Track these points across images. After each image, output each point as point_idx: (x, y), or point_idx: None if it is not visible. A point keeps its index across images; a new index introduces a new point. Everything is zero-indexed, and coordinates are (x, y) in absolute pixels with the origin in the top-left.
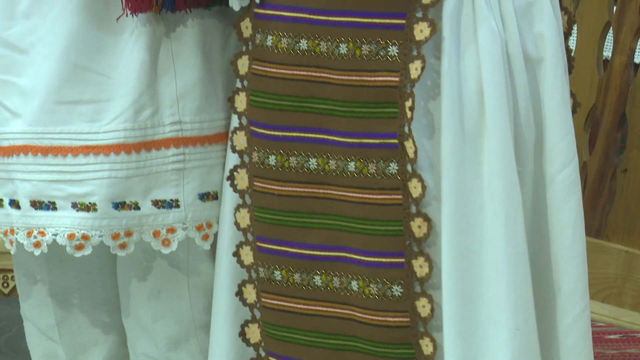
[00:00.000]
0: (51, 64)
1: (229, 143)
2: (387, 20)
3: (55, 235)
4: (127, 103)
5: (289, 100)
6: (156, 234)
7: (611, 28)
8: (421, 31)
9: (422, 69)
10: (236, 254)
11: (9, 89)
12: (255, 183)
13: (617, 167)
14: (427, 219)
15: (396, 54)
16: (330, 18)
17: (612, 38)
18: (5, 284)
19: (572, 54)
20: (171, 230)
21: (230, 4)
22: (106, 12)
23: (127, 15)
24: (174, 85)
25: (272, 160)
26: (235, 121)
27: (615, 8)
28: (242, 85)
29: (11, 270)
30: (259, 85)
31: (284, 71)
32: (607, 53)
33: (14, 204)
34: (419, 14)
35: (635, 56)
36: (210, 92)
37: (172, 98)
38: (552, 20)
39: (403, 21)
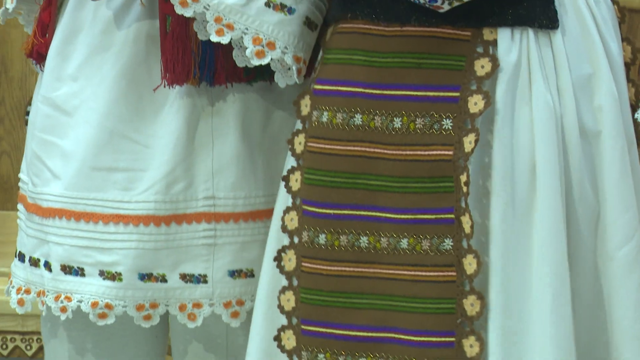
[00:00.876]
0: (90, 129)
1: (280, 223)
2: (442, 93)
3: (80, 302)
4: (160, 175)
5: (342, 177)
6: (182, 308)
7: None
8: (475, 104)
9: (476, 142)
10: (277, 338)
11: (52, 150)
12: (303, 264)
13: None
14: (480, 297)
15: (450, 127)
16: (385, 92)
17: None
18: (4, 346)
19: None
20: (197, 305)
21: (276, 80)
22: (148, 81)
23: (164, 87)
24: (210, 160)
25: (322, 239)
26: (288, 201)
27: None
28: (297, 164)
29: (10, 332)
30: (314, 163)
31: (338, 147)
32: None
33: (47, 266)
34: (474, 87)
35: None
36: (248, 169)
37: (207, 173)
38: (611, 93)
39: (457, 94)
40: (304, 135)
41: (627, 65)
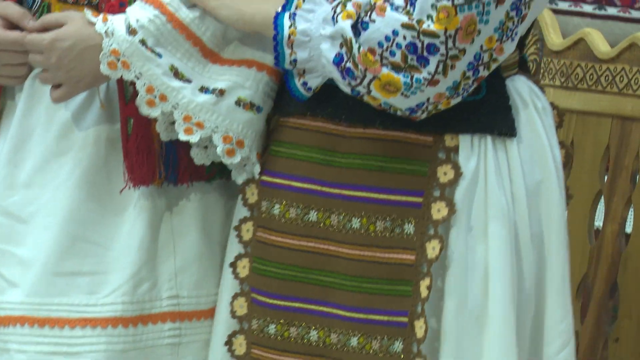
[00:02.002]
0: (51, 234)
1: (229, 308)
2: (404, 198)
3: None
4: (126, 276)
5: (294, 271)
6: None
7: (602, 197)
8: (439, 210)
9: (441, 249)
10: None
11: (7, 259)
12: (253, 350)
13: (609, 337)
14: None
15: (412, 232)
16: (344, 192)
17: (604, 207)
18: None
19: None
20: None
21: (233, 178)
22: (107, 185)
23: (129, 189)
24: (172, 260)
25: (271, 328)
26: (236, 287)
27: (606, 177)
28: (245, 251)
29: None
30: (263, 253)
31: (290, 241)
32: (598, 223)
33: None
34: (437, 193)
35: (626, 225)
36: (209, 267)
37: (170, 272)
38: (558, 199)
39: (420, 199)
40: (251, 223)
41: (563, 166)
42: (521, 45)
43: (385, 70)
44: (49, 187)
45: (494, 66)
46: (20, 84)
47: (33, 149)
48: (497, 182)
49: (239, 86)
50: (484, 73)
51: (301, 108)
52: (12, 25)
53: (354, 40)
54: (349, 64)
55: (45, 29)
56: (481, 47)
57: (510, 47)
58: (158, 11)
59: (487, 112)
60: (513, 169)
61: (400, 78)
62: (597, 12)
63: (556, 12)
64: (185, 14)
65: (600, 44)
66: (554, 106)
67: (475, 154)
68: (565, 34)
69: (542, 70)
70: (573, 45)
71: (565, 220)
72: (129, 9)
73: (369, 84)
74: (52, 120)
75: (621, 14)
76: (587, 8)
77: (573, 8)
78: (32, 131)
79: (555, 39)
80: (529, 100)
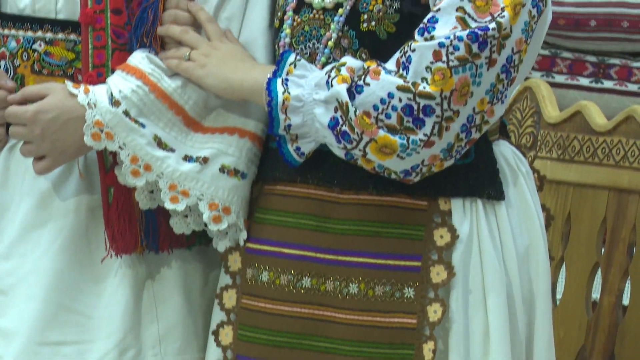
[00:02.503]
0: (34, 304)
1: None
2: (402, 262)
3: None
4: (111, 344)
5: (285, 337)
6: None
7: (599, 269)
8: (438, 274)
9: (443, 312)
10: None
11: None
12: None
13: None
14: None
15: (412, 296)
16: (340, 258)
17: (601, 279)
18: None
19: (561, 295)
20: None
21: (215, 245)
22: (89, 253)
23: (111, 257)
24: (156, 326)
25: None
26: (219, 354)
27: (603, 249)
28: (227, 318)
29: None
30: (250, 321)
31: (281, 307)
32: (596, 294)
33: None
34: (435, 257)
35: (623, 297)
36: (191, 333)
37: (154, 339)
38: (544, 262)
39: (419, 263)
40: (234, 291)
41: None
42: None
43: (381, 133)
44: (29, 257)
45: (485, 128)
46: None
47: (11, 220)
48: (491, 245)
49: (222, 153)
50: (475, 135)
51: (290, 174)
52: None
53: (350, 104)
54: (344, 128)
55: (26, 101)
56: (473, 109)
57: (500, 109)
58: (140, 81)
59: (476, 176)
60: (504, 233)
61: (397, 140)
62: (594, 85)
63: (553, 85)
64: (168, 84)
65: (596, 117)
66: (534, 170)
67: (467, 218)
68: (562, 107)
69: (539, 143)
70: (570, 118)
71: (549, 283)
72: (109, 79)
73: (365, 146)
74: (30, 191)
75: (617, 87)
76: (584, 81)
77: (570, 81)
78: (10, 203)
79: (552, 112)
80: (514, 164)
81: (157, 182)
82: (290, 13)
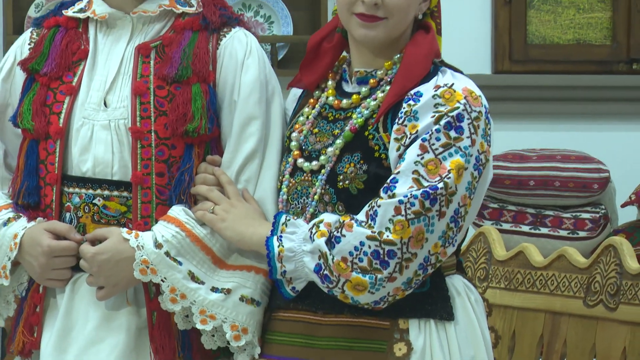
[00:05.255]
0: None
1: None
2: None
3: None
4: None
5: None
6: None
7: None
8: None
9: None
10: None
11: None
12: None
13: None
14: None
15: None
16: None
17: None
18: None
19: None
20: None
21: (235, 359)
22: None
23: None
24: None
25: None
26: None
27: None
28: None
29: None
30: None
31: None
32: None
33: None
34: None
35: None
36: None
37: None
38: None
39: None
40: None
41: (493, 346)
42: (457, 251)
43: (354, 274)
44: None
45: (438, 265)
46: (63, 286)
47: (76, 337)
48: (441, 356)
49: (241, 286)
50: (430, 271)
51: (286, 302)
52: (59, 238)
53: (328, 253)
54: (326, 272)
55: (95, 240)
56: (429, 251)
57: (451, 250)
58: (179, 229)
59: (430, 301)
60: (452, 346)
61: (367, 279)
62: (533, 231)
63: (501, 231)
64: (200, 230)
65: (535, 256)
66: (484, 298)
67: (422, 334)
68: (508, 248)
69: (490, 276)
70: (514, 257)
71: None
72: (154, 227)
73: (342, 285)
74: (90, 315)
75: (551, 233)
76: (525, 228)
77: (514, 228)
78: (74, 324)
79: (500, 252)
80: (464, 293)
81: (190, 307)
82: (287, 176)
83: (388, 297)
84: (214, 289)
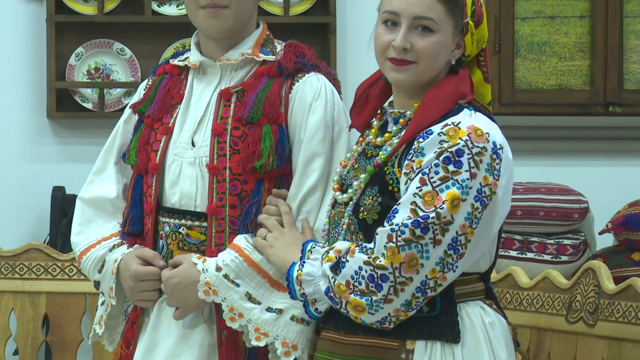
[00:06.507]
0: None
1: None
2: None
3: None
4: None
5: None
6: None
7: None
8: None
9: None
10: None
11: None
12: None
13: None
14: None
15: None
16: None
17: None
18: None
19: None
20: None
21: None
22: None
23: None
24: None
25: None
26: None
27: None
28: None
29: None
30: None
31: None
32: None
33: None
34: None
35: None
36: None
37: None
38: None
39: None
40: None
41: None
42: (486, 279)
43: (352, 296)
44: None
45: (440, 289)
46: (152, 306)
47: (160, 350)
48: None
49: (293, 307)
50: (432, 294)
51: (323, 322)
52: (147, 263)
53: (331, 277)
54: (331, 294)
55: (175, 265)
56: (426, 276)
57: (452, 276)
58: (238, 254)
59: (438, 324)
60: None
61: (364, 301)
62: (520, 255)
63: None
64: (257, 256)
65: (522, 277)
66: (508, 322)
67: (427, 354)
68: (498, 270)
69: None
70: (503, 278)
71: None
72: (220, 253)
73: (345, 306)
74: (171, 332)
75: (537, 257)
76: (513, 253)
77: (503, 253)
78: (159, 340)
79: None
80: (477, 317)
81: (247, 325)
82: (329, 208)
83: (390, 317)
84: (269, 309)
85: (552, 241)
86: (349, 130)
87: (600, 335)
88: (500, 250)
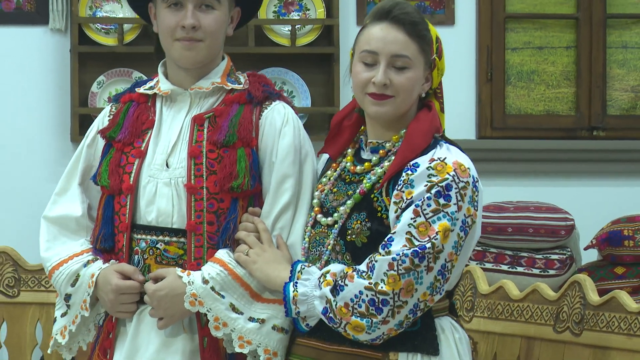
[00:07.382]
0: None
1: None
2: None
3: None
4: None
5: None
6: None
7: None
8: None
9: None
10: None
11: None
12: None
13: None
14: None
15: None
16: None
17: None
18: None
19: None
20: None
21: None
22: None
23: None
24: None
25: None
26: None
27: None
28: None
29: None
30: None
31: None
32: None
33: None
34: None
35: None
36: None
37: None
38: None
39: None
40: None
41: None
42: (450, 295)
43: (354, 318)
44: None
45: (426, 309)
46: (131, 317)
47: (140, 357)
48: None
49: (274, 317)
50: (420, 314)
51: (303, 330)
52: (127, 278)
53: (332, 300)
54: (331, 315)
55: (157, 278)
56: (418, 299)
57: (437, 297)
58: (222, 268)
59: (419, 338)
60: None
61: (364, 323)
62: (511, 269)
63: (484, 270)
64: (240, 270)
65: (513, 290)
66: (470, 337)
67: None
68: (490, 283)
69: (475, 307)
70: (495, 291)
71: None
72: (203, 267)
73: (344, 327)
74: (152, 340)
75: (526, 271)
76: (504, 267)
77: (495, 267)
78: (139, 348)
79: (483, 287)
80: (449, 332)
81: (231, 334)
82: (309, 228)
83: (383, 335)
84: (251, 319)
85: (540, 256)
86: (318, 157)
87: (586, 344)
88: (492, 264)
